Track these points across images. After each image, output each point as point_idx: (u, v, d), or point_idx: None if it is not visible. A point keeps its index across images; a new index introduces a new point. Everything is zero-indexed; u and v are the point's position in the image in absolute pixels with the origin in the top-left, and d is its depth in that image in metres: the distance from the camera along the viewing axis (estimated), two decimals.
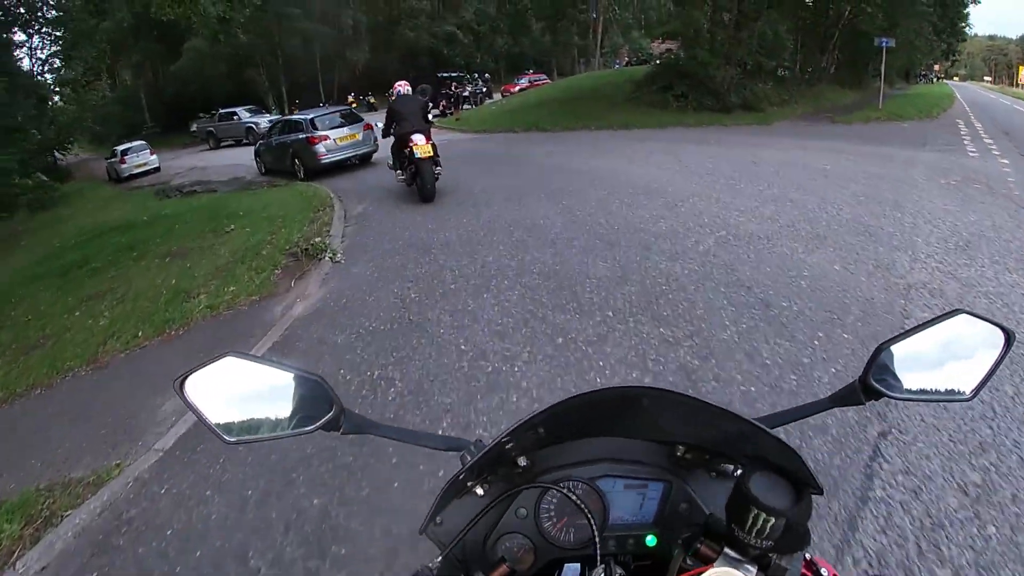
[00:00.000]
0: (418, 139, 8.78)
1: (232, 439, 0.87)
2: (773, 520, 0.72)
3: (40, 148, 20.82)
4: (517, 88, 37.37)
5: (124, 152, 25.62)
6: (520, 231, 7.18)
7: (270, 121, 24.65)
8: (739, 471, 0.91)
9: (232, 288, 6.68)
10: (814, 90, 23.25)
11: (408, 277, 6.16)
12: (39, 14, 36.24)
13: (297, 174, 14.94)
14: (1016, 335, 0.88)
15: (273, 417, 0.89)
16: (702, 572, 0.75)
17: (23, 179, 17.09)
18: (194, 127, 35.52)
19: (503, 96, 34.92)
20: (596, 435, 0.94)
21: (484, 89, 34.32)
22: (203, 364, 0.85)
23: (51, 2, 35.77)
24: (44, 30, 29.84)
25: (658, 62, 26.35)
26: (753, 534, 0.74)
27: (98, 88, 49.82)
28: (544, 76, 42.80)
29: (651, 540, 0.93)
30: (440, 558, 0.86)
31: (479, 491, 0.91)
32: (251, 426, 0.88)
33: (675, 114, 18.84)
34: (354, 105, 37.23)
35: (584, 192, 8.81)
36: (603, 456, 0.94)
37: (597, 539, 0.82)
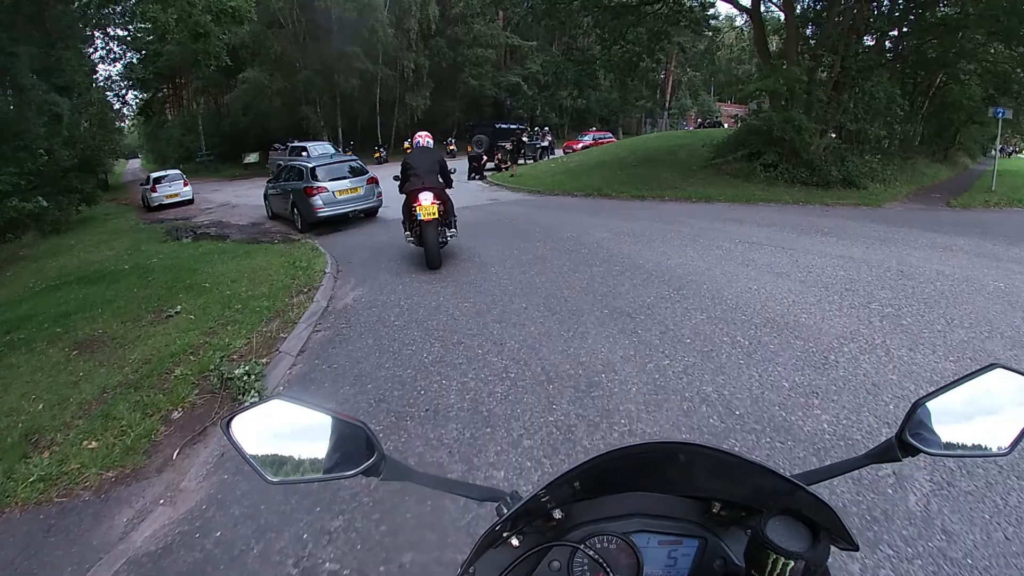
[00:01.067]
0: (424, 198, 7.92)
1: (275, 479, 0.88)
2: (792, 564, 0.74)
3: (56, 170, 18.98)
4: (580, 145, 35.01)
5: (156, 181, 24.26)
6: (565, 398, 4.19)
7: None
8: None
9: (95, 444, 4.08)
10: (908, 164, 20.03)
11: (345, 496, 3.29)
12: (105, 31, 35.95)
13: (296, 224, 13.99)
14: None
15: (316, 459, 0.90)
16: None
17: (21, 202, 15.09)
18: (268, 159, 34.09)
19: (565, 152, 32.58)
20: (631, 490, 0.93)
21: (546, 144, 32.05)
22: (251, 405, 0.88)
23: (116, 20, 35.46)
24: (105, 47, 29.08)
25: (740, 125, 23.46)
26: None
27: (157, 111, 50.15)
28: (610, 134, 40.52)
29: None
30: None
31: (514, 542, 0.90)
32: (294, 467, 0.89)
33: (764, 187, 15.76)
34: (409, 151, 35.60)
35: (668, 314, 5.84)
36: (638, 511, 0.93)
37: None
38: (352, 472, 0.89)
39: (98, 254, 13.62)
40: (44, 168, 16.38)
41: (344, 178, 13.87)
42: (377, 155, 36.57)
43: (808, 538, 0.76)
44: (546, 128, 34.51)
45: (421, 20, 41.28)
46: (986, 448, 0.90)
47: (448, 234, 8.61)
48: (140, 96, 46.86)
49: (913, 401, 0.89)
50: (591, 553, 0.87)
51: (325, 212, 13.24)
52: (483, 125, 28.92)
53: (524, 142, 29.27)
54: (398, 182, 8.55)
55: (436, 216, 7.99)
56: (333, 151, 22.67)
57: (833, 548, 0.79)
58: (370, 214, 14.25)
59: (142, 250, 13.18)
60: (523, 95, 46.04)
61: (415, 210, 7.99)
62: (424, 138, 9.04)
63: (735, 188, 15.78)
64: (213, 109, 45.56)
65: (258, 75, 35.70)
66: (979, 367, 0.88)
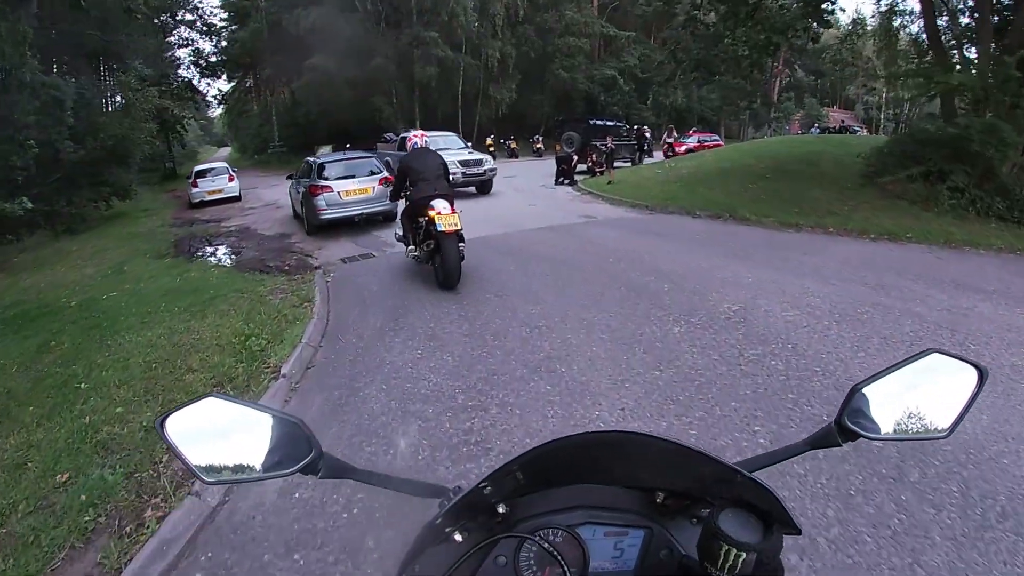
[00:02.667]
0: (441, 206, 6.63)
1: (211, 479, 0.88)
2: (744, 555, 0.74)
3: (73, 161, 16.21)
4: (684, 148, 30.38)
5: (198, 175, 21.46)
6: None
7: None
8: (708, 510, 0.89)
9: None
10: None
11: None
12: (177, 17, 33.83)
13: (304, 227, 12.94)
14: (989, 372, 0.92)
15: (252, 458, 0.88)
16: None
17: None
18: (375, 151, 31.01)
19: (667, 155, 28.04)
20: (576, 482, 0.94)
21: (646, 146, 27.63)
22: (185, 404, 0.87)
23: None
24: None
25: (899, 132, 18.26)
26: (725, 571, 0.75)
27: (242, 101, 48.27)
28: (716, 136, 35.58)
29: None
30: None
31: (458, 537, 0.89)
32: (230, 466, 0.88)
33: (954, 220, 10.80)
34: (492, 149, 31.89)
35: None
36: (583, 503, 0.93)
37: None
38: (290, 470, 0.87)
39: (77, 272, 11.03)
40: (37, 160, 13.25)
41: (353, 176, 12.36)
42: (494, 148, 33.05)
43: (760, 530, 0.77)
44: (644, 126, 29.95)
45: (508, 4, 37.52)
46: (926, 431, 0.92)
47: (461, 247, 7.10)
48: (211, 83, 45.10)
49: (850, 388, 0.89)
50: (542, 543, 0.84)
51: (328, 215, 11.96)
52: (574, 121, 24.77)
53: (628, 142, 25.04)
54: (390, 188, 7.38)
55: (459, 227, 6.71)
56: (463, 144, 19.05)
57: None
58: (388, 217, 12.64)
59: (124, 271, 10.43)
60: (619, 90, 41.57)
61: (430, 220, 6.65)
62: (420, 137, 7.79)
63: (917, 220, 10.96)
64: (289, 99, 43.10)
65: (327, 62, 32.60)
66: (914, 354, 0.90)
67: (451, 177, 8.51)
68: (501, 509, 0.89)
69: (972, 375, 0.92)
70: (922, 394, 0.93)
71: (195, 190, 20.82)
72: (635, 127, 28.77)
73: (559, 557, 0.83)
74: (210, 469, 0.87)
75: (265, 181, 28.18)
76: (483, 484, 0.82)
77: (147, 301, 7.59)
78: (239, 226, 15.14)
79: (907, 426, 0.93)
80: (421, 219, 6.98)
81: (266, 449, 0.88)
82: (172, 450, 0.86)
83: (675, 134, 29.90)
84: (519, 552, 0.89)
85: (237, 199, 21.24)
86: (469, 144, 20.61)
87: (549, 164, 28.77)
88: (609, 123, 25.69)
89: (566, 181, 19.57)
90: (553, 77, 39.35)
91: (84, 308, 7.85)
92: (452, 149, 17.29)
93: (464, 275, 7.27)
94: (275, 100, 44.34)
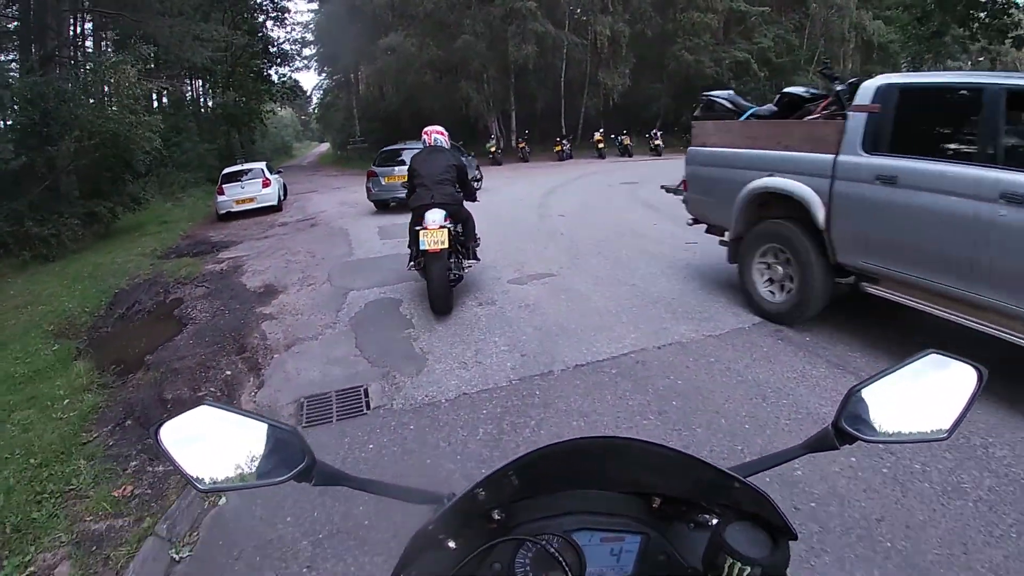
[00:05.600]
0: (431, 219, 5.89)
1: (205, 487, 0.88)
2: (749, 569, 0.74)
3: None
4: None
5: (225, 179, 16.72)
6: None
7: None
8: (715, 522, 0.88)
9: None
10: None
11: None
12: None
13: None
14: (987, 372, 0.91)
15: (246, 466, 0.89)
16: None
17: None
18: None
19: None
20: (571, 487, 0.93)
21: None
22: (179, 413, 0.89)
23: None
24: None
25: None
26: None
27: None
28: None
29: None
30: None
31: (452, 544, 0.88)
32: (224, 474, 0.88)
33: None
34: (601, 145, 26.65)
35: None
36: (579, 509, 0.92)
37: None
38: (283, 478, 0.88)
39: (33, 311, 8.13)
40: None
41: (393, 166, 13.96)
42: (558, 149, 27.86)
43: (768, 545, 0.77)
44: None
45: None
46: (925, 433, 0.93)
47: (465, 266, 6.43)
48: (288, 74, 41.08)
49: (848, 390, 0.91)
50: (540, 547, 0.83)
51: (374, 197, 14.23)
52: (711, 107, 18.27)
53: None
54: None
55: (445, 246, 5.81)
56: None
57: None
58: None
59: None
60: (752, 77, 34.44)
61: (419, 235, 5.88)
62: (435, 134, 6.67)
63: None
64: (376, 90, 38.60)
65: (404, 41, 27.40)
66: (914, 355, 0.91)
67: None
68: (496, 515, 0.89)
69: (971, 375, 0.91)
70: (920, 395, 0.92)
71: (221, 199, 16.26)
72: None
73: (560, 561, 0.81)
74: (204, 476, 0.87)
75: (331, 183, 23.99)
76: (477, 489, 0.82)
77: None
78: (230, 264, 10.11)
79: (905, 428, 0.92)
80: (417, 228, 6.03)
81: (259, 457, 0.88)
82: (167, 458, 0.86)
83: None
84: (515, 558, 0.86)
85: (276, 209, 16.66)
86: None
87: (672, 166, 22.43)
88: (767, 112, 19.10)
89: None
90: (674, 60, 32.59)
91: None
92: None
93: None
94: (355, 90, 39.94)
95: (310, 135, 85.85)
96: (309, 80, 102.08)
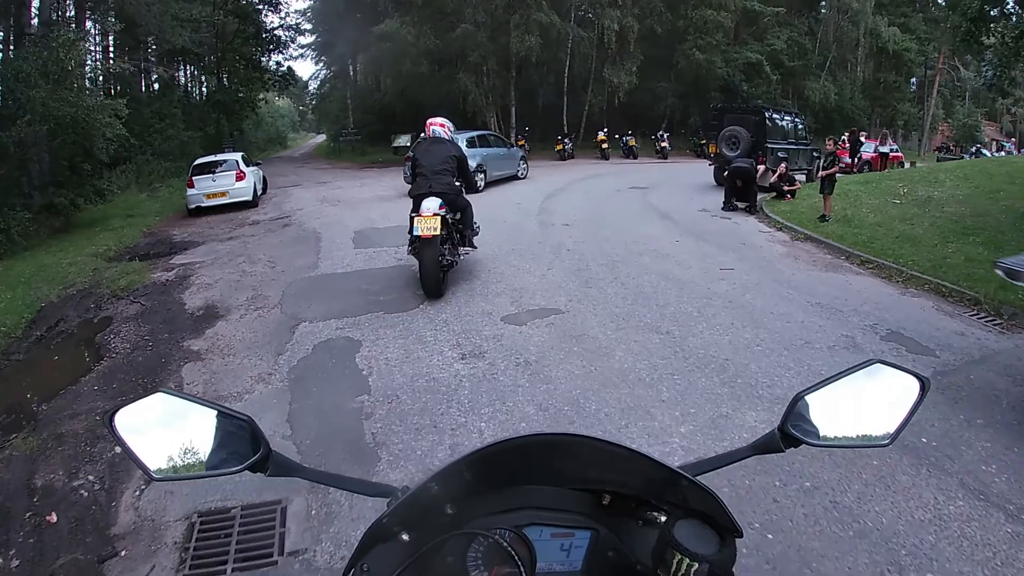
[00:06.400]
0: (426, 207, 6.25)
1: (159, 476, 0.88)
2: (696, 566, 0.75)
3: None
4: (866, 157, 22.03)
5: (195, 170, 15.22)
6: None
7: None
8: (664, 519, 0.89)
9: None
10: None
11: None
12: None
13: None
14: (931, 383, 0.93)
15: (201, 455, 0.88)
16: None
17: None
18: None
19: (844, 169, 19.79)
20: (523, 483, 0.93)
21: (818, 154, 19.68)
22: (134, 400, 0.87)
23: None
24: None
25: None
26: None
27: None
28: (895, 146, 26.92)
29: None
30: None
31: (405, 537, 0.87)
32: (178, 463, 0.88)
33: None
34: (605, 146, 25.49)
35: None
36: (530, 504, 0.92)
37: None
38: (237, 468, 0.87)
39: None
40: None
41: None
42: (560, 148, 26.42)
43: (715, 542, 0.78)
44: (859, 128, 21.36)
45: None
46: (867, 439, 0.95)
47: (461, 252, 6.80)
48: (280, 62, 39.27)
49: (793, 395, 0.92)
50: (492, 541, 0.84)
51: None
52: (742, 111, 16.86)
53: (804, 146, 17.28)
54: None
55: (437, 233, 6.16)
56: None
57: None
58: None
59: None
60: (765, 79, 32.97)
61: (414, 222, 6.31)
62: (437, 126, 6.92)
63: None
64: (372, 81, 37.07)
65: (400, 29, 25.77)
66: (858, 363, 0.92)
67: None
68: (449, 509, 0.87)
69: (914, 384, 0.93)
70: (864, 402, 0.93)
71: (191, 192, 14.71)
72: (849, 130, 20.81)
73: (512, 554, 0.81)
74: (157, 465, 0.86)
75: (317, 177, 22.25)
76: (431, 483, 0.82)
77: None
78: (179, 274, 8.73)
79: (849, 433, 0.94)
80: (413, 215, 6.44)
81: (214, 446, 0.87)
82: (121, 445, 0.86)
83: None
84: (467, 552, 0.87)
85: (251, 204, 15.12)
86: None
87: (682, 169, 21.48)
88: (792, 117, 17.74)
89: (742, 206, 12.23)
90: (684, 59, 30.97)
91: None
92: None
93: None
94: (351, 80, 38.30)
95: (307, 126, 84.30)
96: (306, 70, 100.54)
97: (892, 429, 0.93)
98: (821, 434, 0.93)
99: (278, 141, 59.39)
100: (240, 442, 0.88)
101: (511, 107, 30.39)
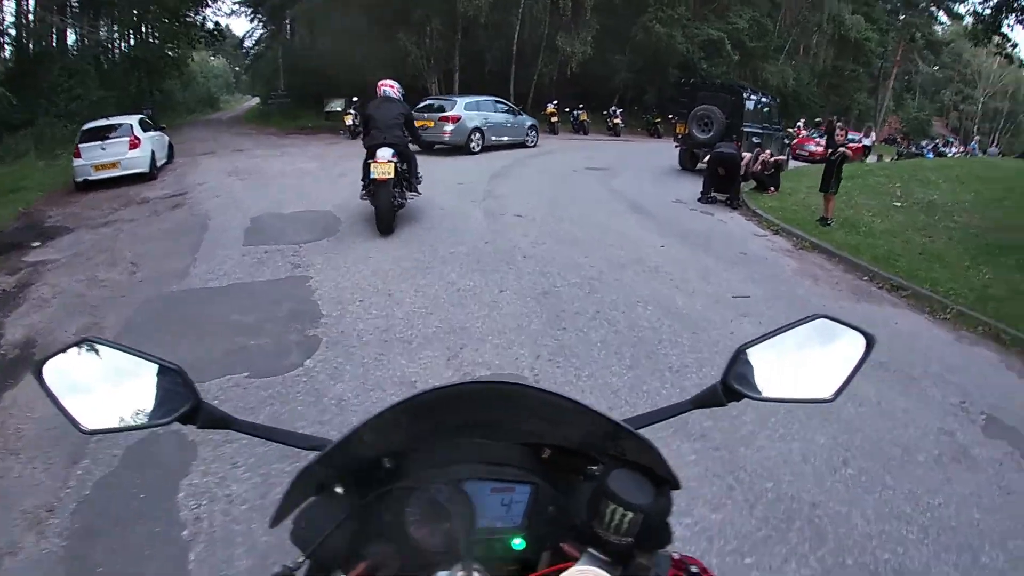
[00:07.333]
0: (381, 155, 7.14)
1: (88, 428, 0.84)
2: (631, 515, 0.74)
3: None
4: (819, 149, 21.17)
5: (83, 136, 12.87)
6: None
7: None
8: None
9: None
10: None
11: None
12: None
13: None
14: (876, 339, 0.89)
15: (130, 406, 0.85)
16: (561, 570, 0.73)
17: None
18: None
19: (796, 156, 18.45)
20: (461, 436, 0.89)
21: (788, 141, 18.41)
22: (61, 349, 0.84)
23: None
24: None
25: None
26: (611, 530, 0.74)
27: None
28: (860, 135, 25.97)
29: (519, 544, 0.85)
30: (303, 559, 0.79)
31: (339, 490, 0.84)
32: (107, 414, 0.84)
33: None
34: (555, 120, 24.72)
35: None
36: (470, 458, 0.88)
37: (463, 543, 0.78)
38: (168, 419, 0.83)
39: None
40: None
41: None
42: (556, 118, 24.78)
43: (651, 493, 0.76)
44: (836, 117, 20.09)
45: None
46: (810, 395, 0.91)
47: (408, 196, 7.87)
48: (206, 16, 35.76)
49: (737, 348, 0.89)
50: (432, 493, 0.81)
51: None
52: (714, 89, 15.02)
53: (775, 130, 15.66)
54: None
55: (391, 176, 7.15)
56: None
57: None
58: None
59: None
60: (725, 58, 31.40)
61: (370, 166, 7.20)
62: (388, 87, 7.83)
63: None
64: (306, 41, 34.03)
65: None
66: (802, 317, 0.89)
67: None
68: (387, 463, 0.85)
69: (860, 341, 0.89)
70: (808, 358, 0.90)
71: (78, 163, 12.27)
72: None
73: (451, 510, 0.79)
74: (86, 417, 0.83)
75: (236, 143, 19.36)
76: (362, 430, 0.78)
77: None
78: (19, 281, 6.62)
79: (792, 389, 0.91)
80: (369, 162, 7.24)
81: (143, 396, 0.84)
82: (49, 396, 0.81)
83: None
84: (405, 507, 0.82)
85: (148, 177, 12.69)
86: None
87: (639, 149, 20.06)
88: (768, 99, 16.04)
89: (721, 198, 10.62)
90: (643, 31, 28.91)
91: None
92: None
93: None
94: (286, 39, 35.16)
95: (242, 88, 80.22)
96: (242, 27, 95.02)
97: (837, 385, 0.88)
98: (764, 388, 0.89)
99: (209, 103, 55.64)
100: (170, 392, 0.83)
101: (455, 72, 28.04)
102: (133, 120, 13.44)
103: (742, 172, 10.61)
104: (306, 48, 32.46)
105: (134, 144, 12.46)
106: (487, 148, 16.29)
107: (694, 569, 0.79)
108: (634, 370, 4.13)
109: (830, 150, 9.43)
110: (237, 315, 4.82)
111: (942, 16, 43.37)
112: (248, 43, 43.56)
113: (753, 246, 7.93)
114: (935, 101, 53.08)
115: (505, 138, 17.33)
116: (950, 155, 30.43)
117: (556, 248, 6.96)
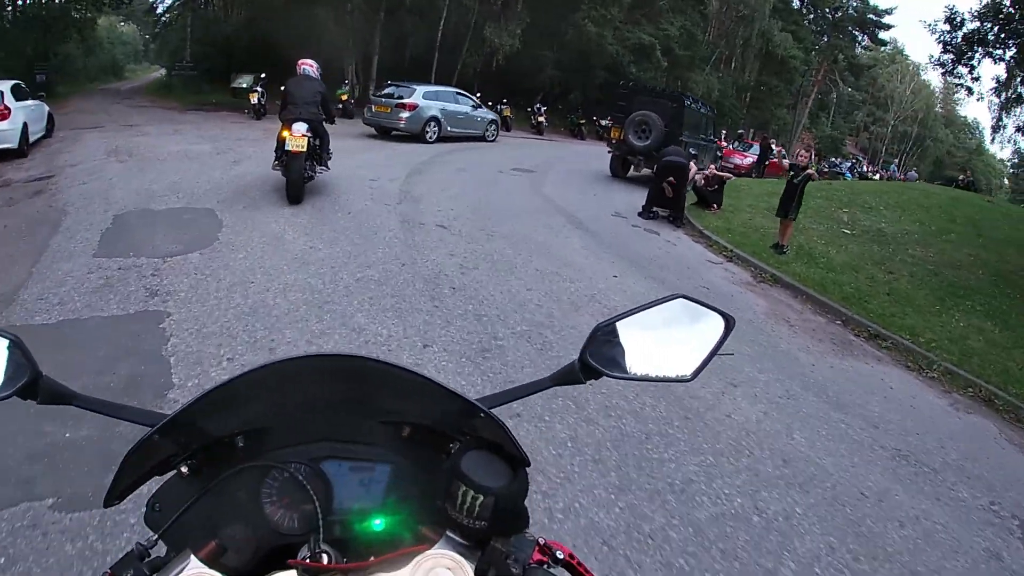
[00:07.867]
0: (297, 128, 7.46)
1: None
2: (482, 498, 0.72)
3: None
4: (747, 162, 21.87)
5: None
6: None
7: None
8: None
9: None
10: None
11: None
12: None
13: None
14: (736, 320, 0.88)
15: None
16: (416, 554, 0.70)
17: None
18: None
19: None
20: (318, 413, 0.86)
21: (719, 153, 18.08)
22: None
23: None
24: None
25: None
26: (464, 513, 0.72)
27: None
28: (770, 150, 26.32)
29: (379, 524, 0.81)
30: (155, 537, 0.77)
31: (185, 470, 0.80)
32: None
33: None
34: (509, 116, 24.51)
35: None
36: (327, 436, 0.86)
37: (321, 524, 0.75)
38: (6, 393, 0.77)
39: None
40: None
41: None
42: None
43: (505, 475, 0.74)
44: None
45: None
46: (669, 374, 0.89)
47: (319, 170, 8.30)
48: None
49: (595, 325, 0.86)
50: (289, 472, 0.79)
51: (368, 121, 16.27)
52: (655, 95, 14.22)
53: (707, 141, 15.10)
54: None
55: (303, 150, 7.50)
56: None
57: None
58: None
59: None
60: (654, 64, 31.08)
61: (286, 140, 7.50)
62: (307, 66, 8.22)
63: None
64: (220, 8, 32.26)
65: None
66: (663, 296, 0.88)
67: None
68: (240, 442, 0.82)
69: (719, 322, 0.89)
70: (667, 337, 0.88)
71: None
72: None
73: (309, 490, 0.77)
74: None
75: (127, 118, 17.16)
76: (203, 399, 0.74)
77: None
78: None
79: (651, 367, 0.88)
80: (284, 135, 7.51)
81: None
82: None
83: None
84: (261, 487, 0.81)
85: (17, 154, 10.76)
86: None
87: (564, 151, 19.40)
88: (707, 109, 15.45)
89: (663, 213, 9.95)
90: (574, 29, 28.28)
91: None
92: None
93: None
94: (193, 6, 32.47)
95: (150, 57, 75.72)
96: None
97: (696, 365, 0.88)
98: (623, 366, 0.86)
99: (113, 72, 51.56)
100: (8, 365, 0.77)
101: (373, 56, 26.51)
102: (4, 86, 11.32)
103: (685, 184, 9.81)
104: (218, 18, 30.76)
105: (2, 115, 10.56)
106: (444, 139, 16.08)
107: (560, 555, 0.75)
108: (626, 495, 2.97)
109: (792, 173, 8.71)
110: (59, 379, 3.42)
111: (866, 41, 45.14)
112: (160, 9, 40.51)
113: (711, 276, 7.11)
114: (848, 121, 55.16)
115: (463, 130, 17.08)
116: (875, 178, 31.34)
117: (491, 276, 5.80)
